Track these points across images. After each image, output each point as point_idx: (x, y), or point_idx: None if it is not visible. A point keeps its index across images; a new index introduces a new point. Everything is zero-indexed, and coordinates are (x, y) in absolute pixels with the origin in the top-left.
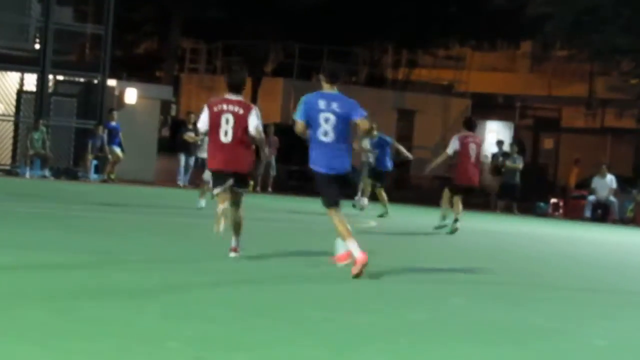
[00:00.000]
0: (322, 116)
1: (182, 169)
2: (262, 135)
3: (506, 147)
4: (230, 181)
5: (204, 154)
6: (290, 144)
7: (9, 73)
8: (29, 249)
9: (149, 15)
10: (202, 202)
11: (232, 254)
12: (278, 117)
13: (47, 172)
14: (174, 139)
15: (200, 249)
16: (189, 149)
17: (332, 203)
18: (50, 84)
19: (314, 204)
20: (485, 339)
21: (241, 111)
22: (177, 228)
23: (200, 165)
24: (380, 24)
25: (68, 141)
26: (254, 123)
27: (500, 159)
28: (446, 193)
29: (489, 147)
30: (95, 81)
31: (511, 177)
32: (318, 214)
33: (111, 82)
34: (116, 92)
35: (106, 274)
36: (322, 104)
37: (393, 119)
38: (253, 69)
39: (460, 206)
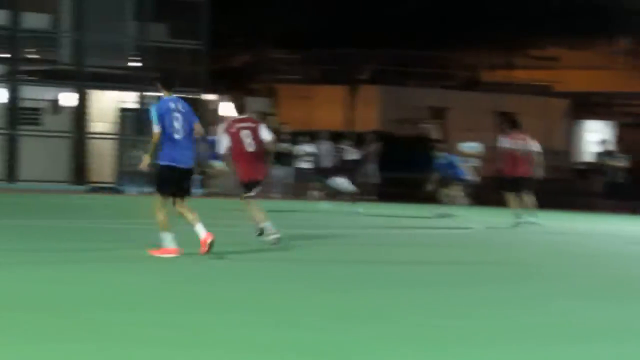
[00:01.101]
0: (173, 116)
1: (275, 180)
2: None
3: (608, 146)
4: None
5: (302, 164)
6: (390, 152)
7: (108, 92)
8: (136, 262)
9: (243, 28)
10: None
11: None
12: (376, 125)
13: (148, 188)
14: None
15: (308, 258)
16: (284, 159)
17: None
18: (149, 101)
19: (414, 210)
20: (595, 339)
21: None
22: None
23: (300, 175)
24: (475, 28)
25: None
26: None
27: (604, 158)
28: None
29: (592, 147)
30: (194, 96)
31: (615, 176)
32: (419, 220)
33: (209, 97)
34: (214, 107)
35: (217, 284)
36: (172, 106)
37: (491, 121)
38: (349, 77)
39: (529, 201)
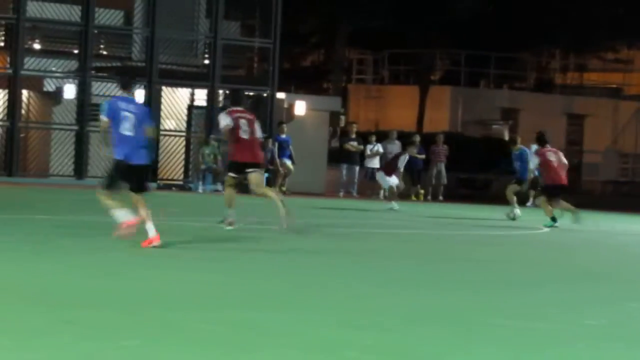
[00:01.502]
0: (122, 115)
1: (344, 179)
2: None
3: None
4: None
5: (373, 164)
6: (459, 152)
7: (179, 89)
8: (201, 261)
9: (315, 27)
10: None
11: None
12: (446, 126)
13: (219, 187)
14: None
15: (370, 259)
16: (352, 158)
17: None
18: (220, 98)
19: (484, 212)
20: None
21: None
22: (345, 237)
23: (370, 175)
24: (547, 29)
25: None
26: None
27: None
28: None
29: None
30: (264, 94)
31: None
32: (487, 222)
33: (280, 95)
34: (285, 105)
35: (284, 284)
36: (122, 105)
37: (562, 123)
38: (420, 77)
39: (565, 204)
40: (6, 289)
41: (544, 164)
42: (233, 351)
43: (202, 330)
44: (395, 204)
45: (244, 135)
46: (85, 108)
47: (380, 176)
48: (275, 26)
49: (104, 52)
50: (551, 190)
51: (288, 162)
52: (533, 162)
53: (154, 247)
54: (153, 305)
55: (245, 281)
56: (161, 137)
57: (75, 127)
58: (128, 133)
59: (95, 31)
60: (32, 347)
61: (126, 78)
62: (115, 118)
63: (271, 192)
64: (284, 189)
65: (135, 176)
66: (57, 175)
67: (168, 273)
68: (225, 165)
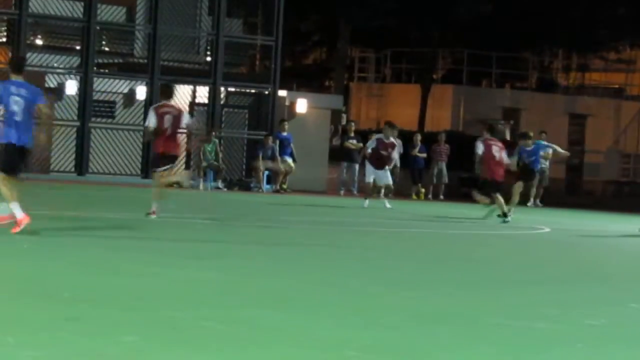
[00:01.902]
0: (12, 99)
1: (344, 178)
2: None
3: None
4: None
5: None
6: (461, 151)
7: (181, 86)
8: (202, 258)
9: (317, 24)
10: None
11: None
12: (448, 125)
13: (220, 184)
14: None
15: (370, 258)
16: (352, 157)
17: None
18: (222, 95)
19: (484, 212)
20: None
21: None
22: (347, 236)
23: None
24: (550, 29)
25: (240, 152)
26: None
27: None
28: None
29: None
30: (266, 92)
31: None
32: (488, 222)
33: (282, 93)
34: (287, 103)
35: (284, 282)
36: (13, 89)
37: (564, 123)
38: (423, 76)
39: (500, 200)
40: (7, 285)
41: (487, 158)
42: (229, 348)
43: (201, 328)
44: (367, 202)
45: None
46: (87, 104)
47: (370, 171)
48: (278, 24)
49: (106, 49)
50: (492, 185)
51: (289, 160)
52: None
53: (25, 227)
54: (153, 303)
55: (245, 279)
56: None
57: (77, 123)
58: (15, 118)
59: (98, 27)
60: (34, 344)
61: (16, 61)
62: (3, 102)
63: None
64: (284, 186)
65: (14, 157)
66: (58, 171)
67: (169, 270)
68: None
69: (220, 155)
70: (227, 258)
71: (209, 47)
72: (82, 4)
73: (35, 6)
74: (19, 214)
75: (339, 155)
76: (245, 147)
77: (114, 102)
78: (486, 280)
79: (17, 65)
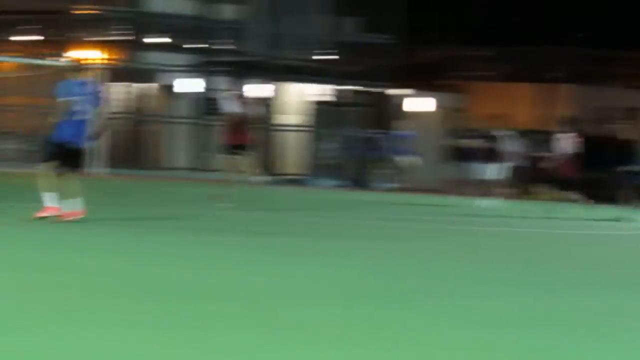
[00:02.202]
0: (73, 98)
1: (461, 176)
2: None
3: None
4: None
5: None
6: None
7: (299, 84)
8: (322, 255)
9: (435, 23)
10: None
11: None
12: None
13: (341, 182)
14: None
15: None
16: (471, 155)
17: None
18: (342, 94)
19: (600, 212)
20: None
21: None
22: (455, 236)
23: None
24: None
25: (360, 151)
26: None
27: None
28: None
29: None
30: (385, 91)
31: None
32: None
33: (400, 92)
34: (405, 101)
35: (405, 280)
36: (74, 88)
37: None
38: (543, 75)
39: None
40: (132, 283)
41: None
42: (349, 347)
43: (320, 326)
44: (484, 201)
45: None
46: (202, 102)
47: (477, 166)
48: (397, 23)
49: (223, 47)
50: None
51: (406, 159)
52: None
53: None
54: (272, 301)
55: (362, 278)
56: (281, 132)
57: (193, 121)
58: (73, 117)
59: (217, 26)
60: (154, 340)
61: (77, 61)
62: (65, 100)
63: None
64: (404, 184)
65: (69, 156)
66: (174, 168)
67: (288, 268)
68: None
69: (341, 153)
70: (346, 256)
71: (328, 46)
72: (201, 2)
73: (155, 5)
74: (50, 204)
75: (457, 153)
76: (364, 145)
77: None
78: (604, 280)
79: (77, 65)
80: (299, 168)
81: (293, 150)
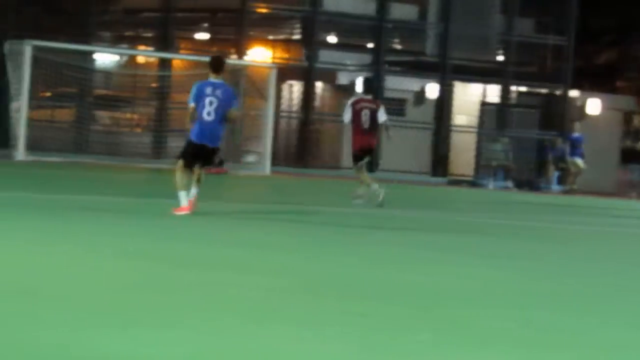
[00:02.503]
0: (207, 100)
1: (635, 180)
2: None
3: None
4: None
5: None
6: None
7: (471, 84)
8: (496, 257)
9: (610, 24)
10: None
11: None
12: None
13: (509, 183)
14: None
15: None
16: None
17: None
18: (512, 95)
19: None
20: None
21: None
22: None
23: None
24: None
25: (530, 152)
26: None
27: None
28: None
29: None
30: (557, 92)
31: None
32: None
33: (573, 93)
34: (578, 103)
35: (573, 284)
36: (208, 90)
37: None
38: None
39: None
40: (299, 280)
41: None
42: (522, 350)
43: (494, 328)
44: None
45: (365, 125)
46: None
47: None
48: (570, 23)
49: (398, 47)
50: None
51: (579, 161)
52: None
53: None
54: (446, 301)
55: (535, 280)
56: (452, 133)
57: None
58: (206, 118)
59: (390, 25)
60: (323, 339)
61: (215, 60)
62: (198, 102)
63: None
64: (574, 186)
65: (202, 155)
66: (348, 168)
67: (462, 269)
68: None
69: (510, 155)
70: (519, 258)
71: (500, 46)
72: (375, 2)
73: (329, 4)
74: (184, 202)
75: (630, 156)
76: (536, 147)
77: (404, 100)
78: None
79: (216, 65)
80: (468, 169)
81: (463, 151)
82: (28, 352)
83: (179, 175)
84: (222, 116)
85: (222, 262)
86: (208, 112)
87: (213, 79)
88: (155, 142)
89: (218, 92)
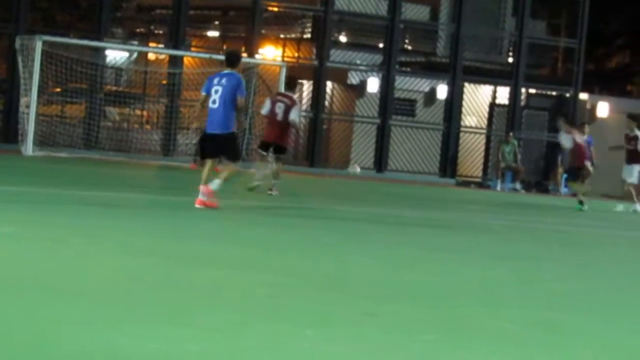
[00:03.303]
0: (213, 89)
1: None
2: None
3: None
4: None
5: None
6: None
7: (482, 86)
8: (499, 259)
9: (621, 28)
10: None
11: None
12: None
13: (518, 185)
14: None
15: None
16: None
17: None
18: (523, 97)
19: None
20: None
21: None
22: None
23: None
24: None
25: (539, 154)
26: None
27: None
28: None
29: None
30: (567, 95)
31: None
32: None
33: (583, 96)
34: (588, 106)
35: (577, 285)
36: (215, 80)
37: None
38: None
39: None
40: (307, 279)
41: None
42: (527, 350)
43: (499, 328)
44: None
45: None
46: (388, 102)
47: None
48: (582, 26)
49: (409, 47)
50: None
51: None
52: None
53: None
54: (452, 301)
55: (538, 280)
56: (461, 134)
57: (377, 121)
58: (212, 105)
59: (401, 26)
60: (333, 338)
61: (229, 56)
62: (208, 92)
63: None
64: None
65: (212, 144)
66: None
67: (466, 269)
68: None
69: (519, 156)
70: (520, 259)
71: (511, 48)
72: (387, 2)
73: (341, 3)
74: (213, 194)
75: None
76: (545, 149)
77: (414, 101)
78: None
79: (230, 60)
80: (477, 170)
81: (472, 153)
82: (34, 346)
83: (207, 170)
84: (227, 103)
85: (229, 259)
86: (213, 100)
87: (227, 70)
88: (164, 139)
89: (224, 80)
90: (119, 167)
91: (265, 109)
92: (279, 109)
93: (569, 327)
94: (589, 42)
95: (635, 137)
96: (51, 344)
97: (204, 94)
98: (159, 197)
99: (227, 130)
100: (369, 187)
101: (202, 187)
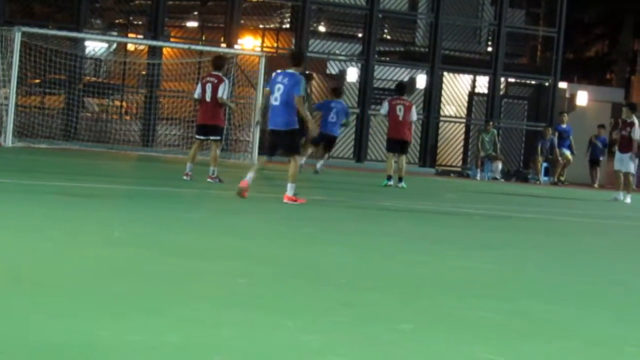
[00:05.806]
0: (276, 87)
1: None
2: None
3: None
4: None
5: None
6: None
7: (461, 75)
8: (475, 249)
9: (600, 17)
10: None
11: None
12: None
13: (497, 174)
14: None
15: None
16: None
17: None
18: (502, 86)
19: None
20: None
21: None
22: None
23: None
24: None
25: (518, 143)
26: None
27: None
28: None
29: None
30: (546, 84)
31: None
32: None
33: (562, 85)
34: (567, 95)
35: (554, 275)
36: (279, 78)
37: None
38: None
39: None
40: (286, 269)
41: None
42: (506, 339)
43: (477, 318)
44: (621, 194)
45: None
46: (367, 92)
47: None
48: (560, 15)
49: (388, 37)
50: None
51: (567, 152)
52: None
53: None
54: (428, 291)
55: (517, 270)
56: (440, 123)
57: (357, 111)
58: (273, 102)
59: (380, 15)
60: (312, 328)
61: (294, 55)
62: (271, 90)
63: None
64: (562, 178)
65: (275, 141)
66: (337, 157)
67: (443, 259)
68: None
69: (499, 145)
70: (500, 249)
71: (490, 37)
72: None
73: None
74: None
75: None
76: (524, 138)
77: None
78: None
79: (294, 59)
80: (456, 159)
81: (451, 142)
82: (11, 338)
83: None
84: (287, 101)
85: (208, 249)
86: (275, 98)
87: (290, 69)
88: (144, 130)
89: (286, 79)
90: (98, 157)
91: (196, 93)
92: (208, 89)
93: (549, 317)
94: (568, 31)
95: (632, 124)
96: (28, 336)
97: (267, 89)
98: (138, 187)
99: (287, 127)
100: (348, 177)
101: (242, 183)
